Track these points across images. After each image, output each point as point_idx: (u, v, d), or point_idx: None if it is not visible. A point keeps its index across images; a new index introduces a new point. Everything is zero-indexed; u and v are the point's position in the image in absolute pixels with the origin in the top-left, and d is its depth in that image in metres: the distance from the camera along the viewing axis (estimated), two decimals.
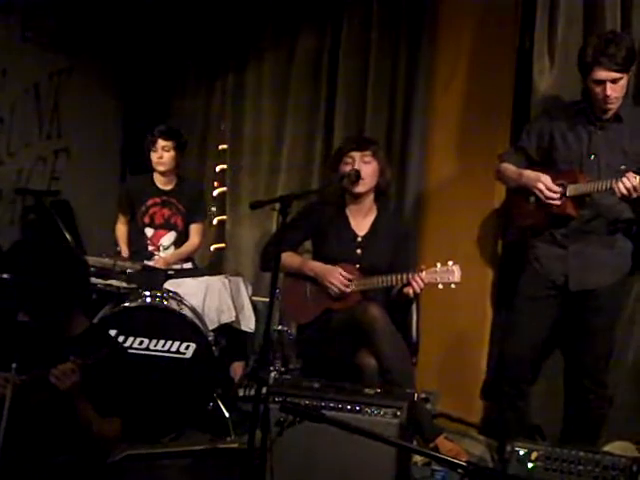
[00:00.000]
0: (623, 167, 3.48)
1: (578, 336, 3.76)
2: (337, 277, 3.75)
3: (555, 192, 3.58)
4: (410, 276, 3.58)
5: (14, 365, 2.61)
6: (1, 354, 2.69)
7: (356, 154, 3.81)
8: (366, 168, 3.80)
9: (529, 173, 3.70)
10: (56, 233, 4.99)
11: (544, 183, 3.60)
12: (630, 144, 3.54)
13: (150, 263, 4.50)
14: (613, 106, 3.50)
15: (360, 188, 3.81)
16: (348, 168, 3.79)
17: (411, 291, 3.60)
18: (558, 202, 3.59)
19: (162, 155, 4.66)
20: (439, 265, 3.56)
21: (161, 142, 4.65)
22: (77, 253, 3.03)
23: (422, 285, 3.57)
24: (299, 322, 4.00)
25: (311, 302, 3.85)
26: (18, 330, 2.87)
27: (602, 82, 3.42)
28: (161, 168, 4.69)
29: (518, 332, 3.83)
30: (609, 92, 3.42)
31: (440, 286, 3.56)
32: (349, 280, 3.75)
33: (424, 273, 3.56)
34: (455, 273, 3.53)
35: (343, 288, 3.75)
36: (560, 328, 3.84)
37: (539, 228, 3.75)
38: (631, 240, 3.72)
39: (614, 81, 3.41)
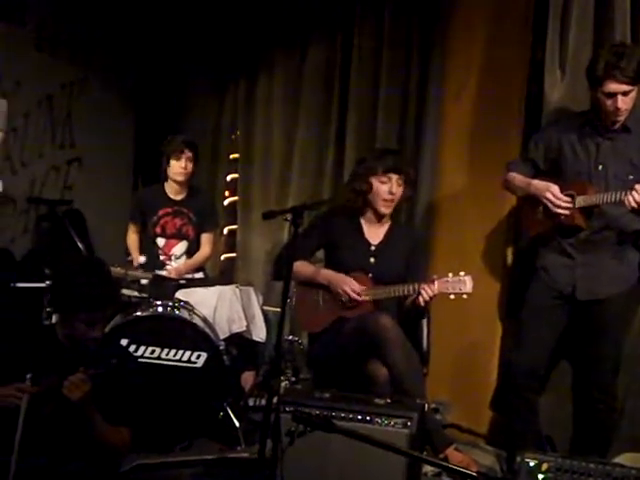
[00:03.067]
0: (631, 177, 3.49)
1: (586, 346, 3.76)
2: (349, 285, 3.77)
3: (564, 202, 3.59)
4: (420, 285, 3.60)
5: (29, 375, 2.63)
6: (15, 364, 2.72)
7: (394, 176, 3.85)
8: (398, 191, 3.86)
9: (538, 183, 3.71)
10: (69, 242, 5.02)
11: (553, 193, 3.61)
12: (638, 155, 3.55)
13: (162, 273, 4.51)
14: (622, 118, 3.51)
15: (387, 210, 3.88)
16: (385, 187, 3.83)
17: (421, 300, 3.62)
18: (567, 212, 3.60)
19: (186, 165, 4.71)
20: (451, 275, 3.58)
21: (187, 152, 4.69)
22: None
23: (432, 294, 3.58)
24: (311, 331, 4.01)
25: (323, 310, 3.86)
26: (32, 339, 2.89)
27: (613, 95, 3.42)
28: (182, 178, 4.73)
29: (525, 342, 3.83)
30: (620, 104, 3.43)
31: (452, 296, 3.57)
32: (361, 289, 3.76)
33: (436, 283, 3.58)
34: (467, 283, 3.54)
35: (354, 296, 3.76)
36: (568, 338, 3.84)
37: (547, 238, 3.76)
38: (638, 250, 3.72)
39: (625, 93, 3.42)
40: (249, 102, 5.63)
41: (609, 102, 3.45)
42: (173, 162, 4.69)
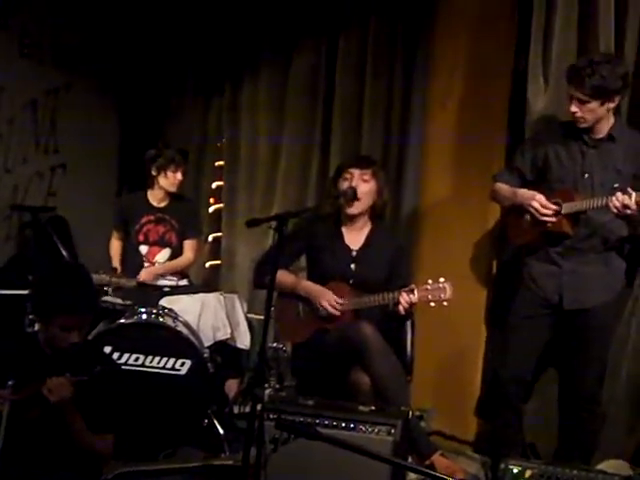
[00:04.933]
0: (616, 186, 3.51)
1: (572, 354, 3.77)
2: (327, 299, 3.77)
3: (550, 210, 3.61)
4: (399, 294, 3.59)
5: (10, 382, 2.62)
6: None
7: (355, 171, 3.83)
8: (363, 186, 3.81)
9: (523, 192, 3.73)
10: (52, 249, 5.00)
11: (538, 201, 3.62)
12: (623, 164, 3.58)
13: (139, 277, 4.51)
14: (582, 125, 3.57)
15: (354, 210, 3.83)
16: (346, 184, 3.81)
17: (401, 308, 3.61)
18: (553, 219, 3.61)
19: (181, 178, 4.73)
20: (430, 282, 3.58)
21: (183, 166, 4.72)
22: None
23: (410, 301, 3.58)
24: (293, 342, 4.00)
25: (304, 322, 3.86)
26: (14, 347, 2.87)
27: (571, 98, 3.52)
28: (175, 189, 4.75)
29: (512, 351, 3.85)
30: (572, 108, 3.52)
31: (432, 304, 3.57)
32: (339, 303, 3.76)
33: (415, 292, 3.57)
34: (447, 290, 3.54)
35: (332, 311, 3.76)
36: (554, 346, 3.85)
37: (534, 246, 3.77)
38: (624, 259, 3.74)
39: (580, 101, 3.49)
40: (234, 109, 5.62)
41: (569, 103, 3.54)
42: (170, 174, 4.69)
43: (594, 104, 3.49)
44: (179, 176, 4.71)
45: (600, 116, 3.54)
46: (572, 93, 3.52)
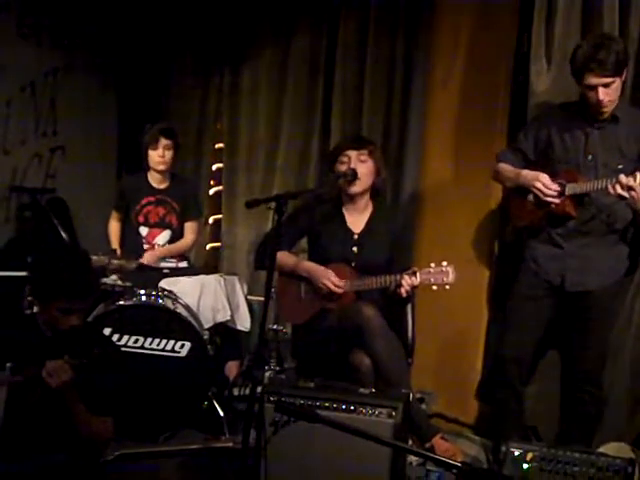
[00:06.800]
0: (620, 167, 3.49)
1: (574, 337, 3.76)
2: (329, 278, 3.75)
3: (554, 190, 3.58)
4: (401, 277, 3.58)
5: (9, 365, 2.61)
6: None
7: (352, 153, 3.80)
8: (362, 167, 3.79)
9: (527, 173, 3.70)
10: (51, 231, 4.98)
11: (542, 182, 3.60)
12: (627, 144, 3.55)
13: (140, 261, 4.49)
14: (608, 109, 3.51)
15: (356, 188, 3.81)
16: (344, 167, 3.79)
17: (403, 291, 3.60)
18: (557, 200, 3.59)
19: (164, 154, 4.64)
20: (433, 265, 3.56)
21: (163, 141, 4.63)
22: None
23: (411, 284, 3.56)
24: (294, 323, 3.99)
25: (305, 302, 3.84)
26: (13, 329, 2.86)
27: (594, 87, 3.43)
28: (162, 167, 4.68)
29: (514, 333, 3.84)
30: (602, 96, 3.43)
31: (434, 287, 3.55)
32: (341, 282, 3.74)
33: (418, 275, 3.56)
34: (449, 274, 3.53)
35: (335, 289, 3.74)
36: (556, 329, 3.84)
37: (537, 227, 3.75)
38: (627, 242, 3.72)
39: (606, 85, 3.42)
40: (234, 91, 5.60)
41: (591, 94, 3.46)
42: (151, 152, 4.64)
43: (618, 81, 3.44)
44: (160, 152, 4.63)
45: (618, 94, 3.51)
46: (594, 82, 3.42)
